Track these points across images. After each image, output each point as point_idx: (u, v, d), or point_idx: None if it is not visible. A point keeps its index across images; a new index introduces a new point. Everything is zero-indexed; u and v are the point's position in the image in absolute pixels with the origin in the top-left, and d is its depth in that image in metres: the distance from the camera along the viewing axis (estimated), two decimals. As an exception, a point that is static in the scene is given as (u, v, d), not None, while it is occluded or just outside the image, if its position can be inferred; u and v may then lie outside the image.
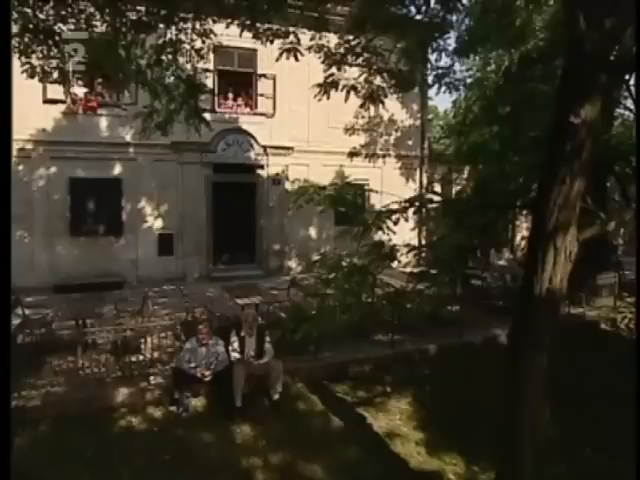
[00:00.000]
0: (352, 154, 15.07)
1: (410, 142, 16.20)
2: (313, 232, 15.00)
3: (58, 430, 5.74)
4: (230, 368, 6.24)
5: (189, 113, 7.29)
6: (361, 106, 7.26)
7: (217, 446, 5.63)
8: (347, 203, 7.89)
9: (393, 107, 14.74)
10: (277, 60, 7.45)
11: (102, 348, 7.26)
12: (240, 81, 14.07)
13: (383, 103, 7.24)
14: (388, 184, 13.79)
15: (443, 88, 7.00)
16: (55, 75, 7.31)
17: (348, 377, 7.24)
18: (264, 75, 14.10)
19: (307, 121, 14.45)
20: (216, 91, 13.64)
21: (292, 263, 14.61)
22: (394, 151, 15.92)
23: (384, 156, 15.73)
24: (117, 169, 12.83)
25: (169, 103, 7.21)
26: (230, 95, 14.16)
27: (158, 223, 13.33)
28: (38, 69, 7.28)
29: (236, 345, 6.53)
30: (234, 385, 6.15)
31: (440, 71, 6.79)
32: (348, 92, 7.16)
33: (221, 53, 13.36)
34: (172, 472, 5.16)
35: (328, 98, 7.20)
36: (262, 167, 14.28)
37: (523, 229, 18.30)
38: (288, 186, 14.80)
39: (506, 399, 4.23)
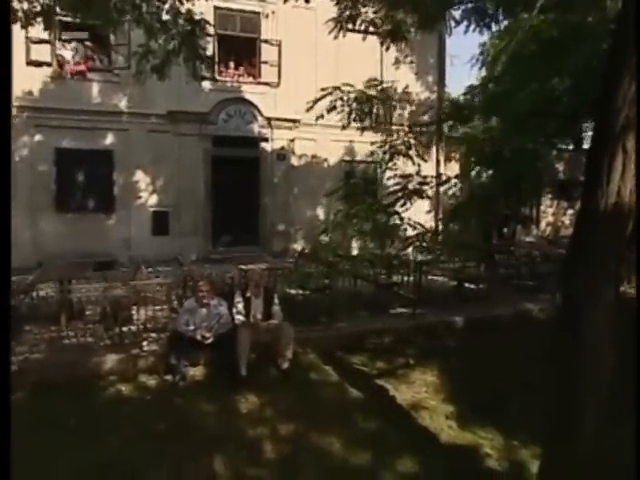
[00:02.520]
0: (363, 128, 14.67)
1: (426, 117, 15.79)
2: (321, 213, 14.61)
3: (37, 397, 5.37)
4: (234, 332, 5.94)
5: (188, 54, 6.91)
6: (381, 44, 6.90)
7: (219, 416, 5.28)
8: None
9: (407, 78, 14.39)
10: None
11: (90, 318, 6.93)
12: (242, 47, 13.79)
13: (406, 41, 6.87)
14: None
15: (472, 26, 6.59)
16: (40, 22, 7.00)
17: (365, 348, 6.99)
18: (268, 41, 13.78)
19: (315, 91, 14.03)
20: (216, 58, 13.33)
21: (298, 246, 14.22)
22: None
23: (398, 132, 15.33)
24: (108, 140, 12.53)
25: (166, 42, 6.84)
26: (232, 63, 13.87)
27: (152, 200, 13.04)
28: (20, 13, 6.96)
29: (241, 307, 6.23)
30: (238, 351, 5.81)
31: (470, 5, 6.39)
32: (366, 29, 6.82)
33: (222, 16, 13.10)
34: (167, 442, 4.79)
35: (344, 35, 6.85)
36: (266, 140, 14.01)
37: (549, 214, 17.92)
38: (294, 162, 14.50)
39: (558, 354, 3.77)
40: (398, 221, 7.98)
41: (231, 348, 5.83)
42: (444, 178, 10.59)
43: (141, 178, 12.91)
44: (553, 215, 18.19)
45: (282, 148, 14.14)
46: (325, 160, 14.78)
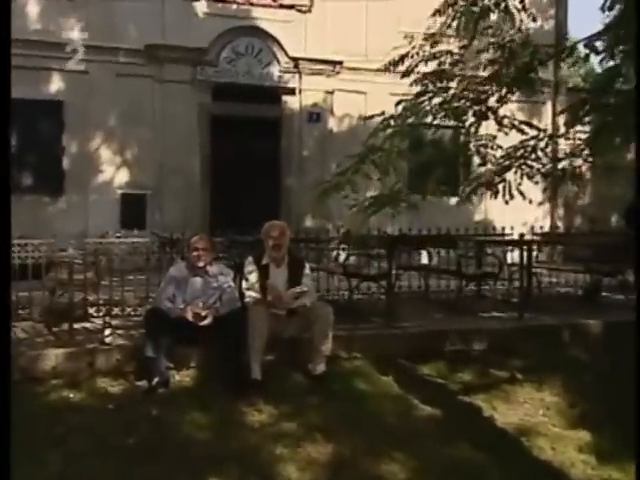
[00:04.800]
0: (436, 74, 14.50)
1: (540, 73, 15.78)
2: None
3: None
4: (242, 314, 6.02)
5: None
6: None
7: (217, 431, 5.31)
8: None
9: None
10: None
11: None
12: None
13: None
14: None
15: None
16: None
17: (443, 356, 7.15)
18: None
19: (364, 22, 14.29)
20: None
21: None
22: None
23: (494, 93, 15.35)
24: (54, 86, 12.82)
25: None
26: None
27: (121, 177, 13.28)
28: None
29: (254, 278, 6.29)
30: (249, 343, 5.82)
31: None
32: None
33: None
34: (135, 461, 4.81)
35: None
36: (291, 93, 14.18)
37: None
38: (332, 125, 14.55)
39: None
40: None
41: (238, 338, 5.83)
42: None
43: (105, 145, 13.13)
44: None
45: (315, 105, 14.25)
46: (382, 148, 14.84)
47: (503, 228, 9.21)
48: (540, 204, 14.93)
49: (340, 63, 14.14)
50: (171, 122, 13.36)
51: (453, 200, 15.37)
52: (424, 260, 9.66)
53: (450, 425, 5.70)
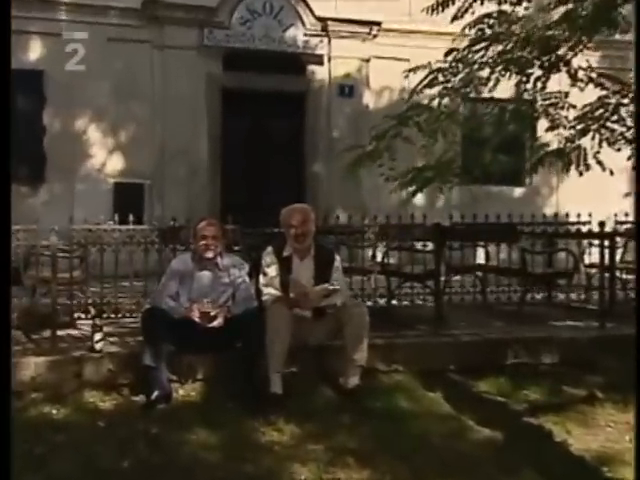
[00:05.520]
0: (495, 16, 14.28)
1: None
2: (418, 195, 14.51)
3: None
4: (260, 315, 6.06)
5: None
6: None
7: (227, 452, 5.31)
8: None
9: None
10: None
11: None
12: None
13: None
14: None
15: None
16: None
17: (503, 369, 7.14)
18: None
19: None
20: None
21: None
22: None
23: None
24: (34, 53, 12.95)
25: None
26: None
27: (114, 164, 13.42)
28: None
29: (273, 272, 6.34)
30: (268, 350, 5.85)
31: None
32: None
33: None
34: None
35: None
36: (318, 61, 14.26)
37: None
38: (368, 100, 14.55)
39: None
40: None
41: (254, 344, 5.88)
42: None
43: (94, 124, 13.26)
44: None
45: (347, 75, 14.31)
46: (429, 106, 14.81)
47: (578, 215, 9.06)
48: (626, 195, 14.76)
49: (378, 24, 14.16)
50: (173, 97, 13.45)
51: (518, 191, 15.41)
52: (480, 259, 9.63)
53: (513, 451, 5.64)
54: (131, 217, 8.12)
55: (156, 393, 5.81)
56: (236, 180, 13.83)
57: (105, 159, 13.39)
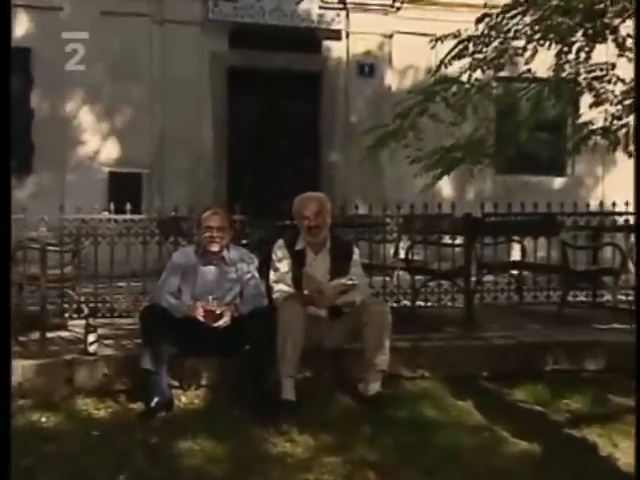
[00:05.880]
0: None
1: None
2: (446, 185, 14.48)
3: None
4: (271, 314, 6.08)
5: None
6: None
7: (234, 464, 5.34)
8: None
9: None
10: None
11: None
12: None
13: None
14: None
15: None
16: None
17: (541, 376, 7.14)
18: None
19: None
20: None
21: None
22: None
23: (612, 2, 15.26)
24: (20, 28, 12.93)
25: None
26: None
27: (109, 151, 13.47)
28: None
29: (285, 267, 6.37)
30: (280, 353, 5.87)
31: None
32: None
33: None
34: None
35: None
36: (336, 37, 14.26)
37: None
38: (391, 81, 14.55)
39: None
40: None
41: (264, 345, 5.89)
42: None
43: (87, 108, 13.29)
44: None
45: (368, 53, 14.31)
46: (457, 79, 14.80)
47: (626, 204, 8.94)
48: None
49: (400, -4, 14.02)
50: (175, 77, 13.48)
51: (558, 181, 15.34)
52: (515, 256, 9.60)
53: (553, 465, 5.62)
54: (128, 206, 8.00)
55: (156, 400, 5.83)
56: (244, 169, 13.88)
57: (99, 146, 13.41)
